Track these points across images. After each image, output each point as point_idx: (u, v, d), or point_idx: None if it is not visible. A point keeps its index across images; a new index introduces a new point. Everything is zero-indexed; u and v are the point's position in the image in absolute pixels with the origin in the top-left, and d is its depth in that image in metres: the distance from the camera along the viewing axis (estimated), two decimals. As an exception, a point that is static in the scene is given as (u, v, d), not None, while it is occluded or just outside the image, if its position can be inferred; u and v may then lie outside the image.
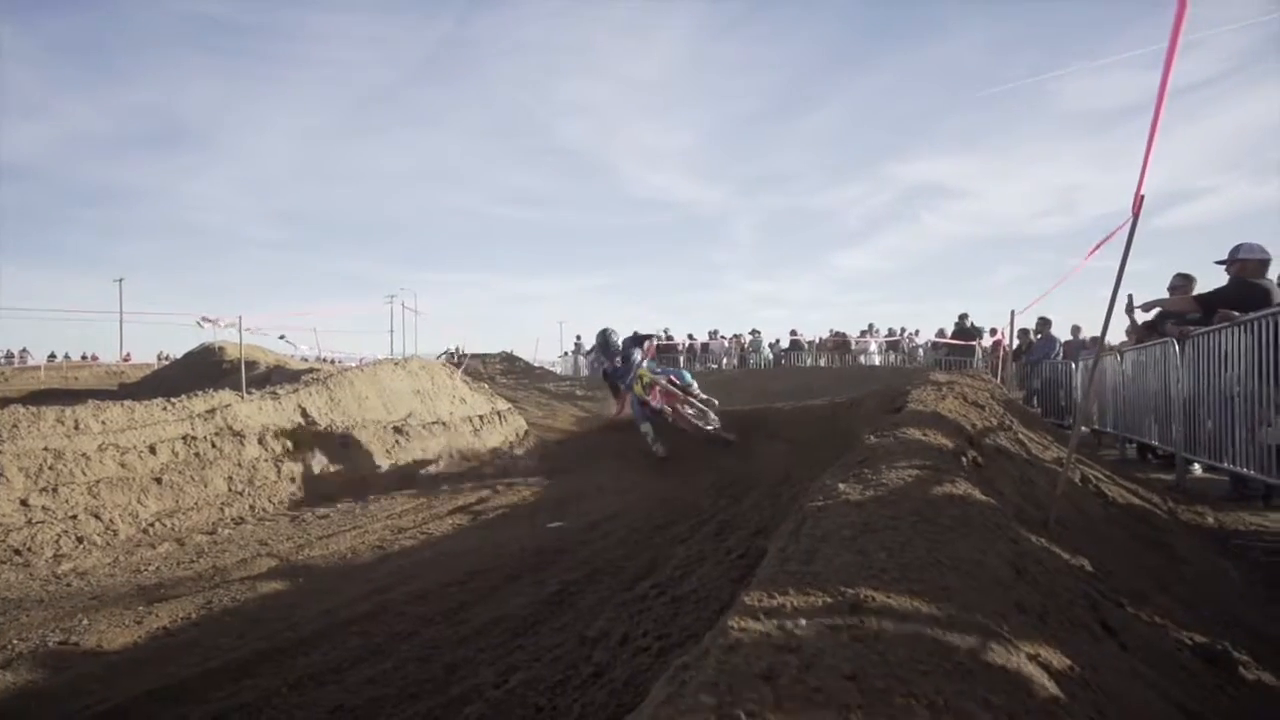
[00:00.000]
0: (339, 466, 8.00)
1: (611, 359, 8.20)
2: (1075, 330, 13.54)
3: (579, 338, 28.24)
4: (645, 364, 8.14)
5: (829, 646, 1.15)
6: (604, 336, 8.30)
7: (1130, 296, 8.31)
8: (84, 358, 32.64)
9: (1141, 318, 7.59)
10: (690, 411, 7.95)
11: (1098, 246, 3.78)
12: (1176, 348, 6.23)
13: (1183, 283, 7.24)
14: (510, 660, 2.53)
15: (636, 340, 8.29)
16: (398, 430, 9.14)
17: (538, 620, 3.01)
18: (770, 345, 24.33)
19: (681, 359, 22.43)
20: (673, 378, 8.15)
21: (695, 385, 8.34)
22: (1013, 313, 10.50)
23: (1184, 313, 6.38)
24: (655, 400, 7.78)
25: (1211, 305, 6.02)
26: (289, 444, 8.07)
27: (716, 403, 8.38)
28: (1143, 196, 2.69)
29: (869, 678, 1.06)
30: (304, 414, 9.43)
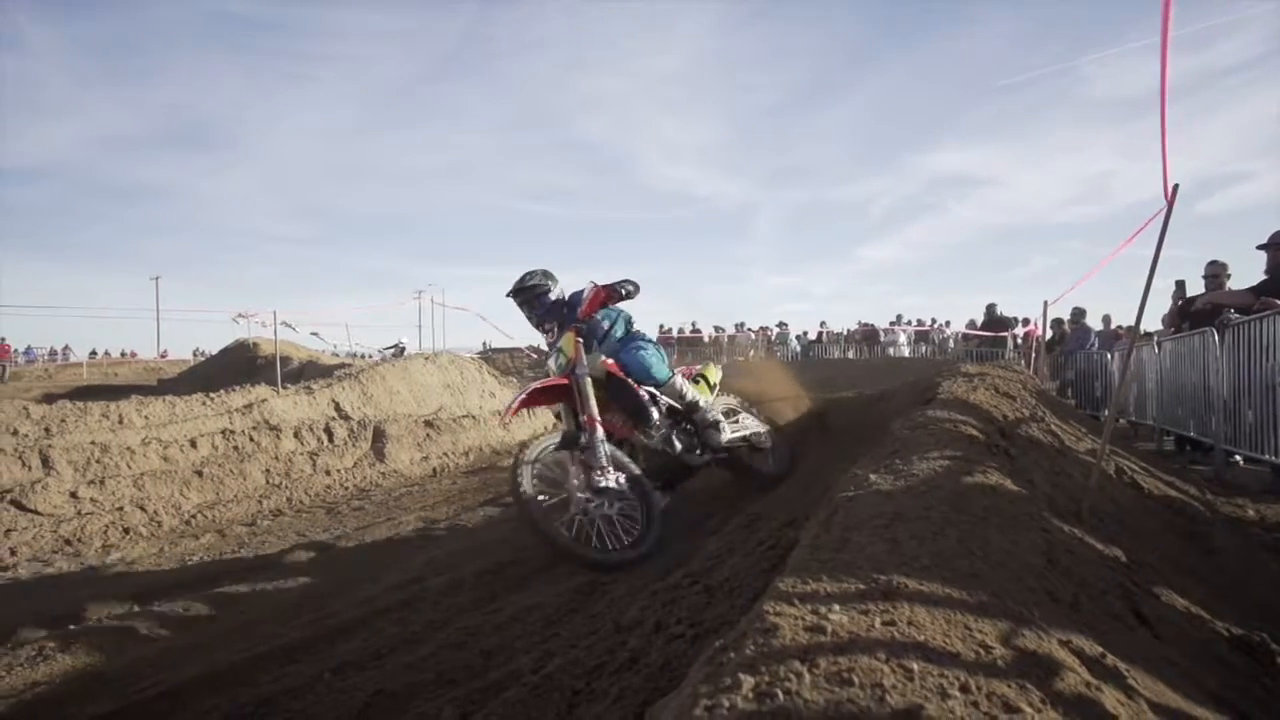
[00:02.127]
0: (372, 459, 8.16)
1: (541, 327, 4.57)
2: (1106, 320, 13.36)
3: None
4: (607, 323, 4.53)
5: (862, 630, 1.18)
6: (520, 286, 4.53)
7: (1180, 284, 8.18)
8: (123, 354, 33.53)
9: (1196, 304, 7.39)
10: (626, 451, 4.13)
11: (1133, 237, 3.73)
12: (1216, 337, 6.11)
13: (1218, 270, 7.13)
14: (546, 647, 2.59)
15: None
16: (428, 424, 9.29)
17: (571, 609, 3.07)
18: (797, 337, 24.23)
19: (708, 351, 22.23)
20: (612, 363, 4.27)
21: (681, 383, 4.43)
22: (1045, 303, 10.33)
23: (1238, 306, 6.25)
24: (515, 407, 3.98)
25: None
26: (323, 437, 8.26)
27: (745, 423, 4.82)
28: (1176, 185, 2.65)
29: (903, 660, 1.09)
30: (337, 408, 9.63)
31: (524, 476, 3.59)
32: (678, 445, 4.32)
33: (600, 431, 3.88)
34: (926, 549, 1.57)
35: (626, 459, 4.00)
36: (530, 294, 4.49)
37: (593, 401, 3.94)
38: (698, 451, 4.44)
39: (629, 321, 4.66)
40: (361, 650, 2.96)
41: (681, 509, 4.46)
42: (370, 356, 21.38)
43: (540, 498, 3.62)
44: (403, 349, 20.51)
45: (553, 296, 4.52)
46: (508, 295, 4.57)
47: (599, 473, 3.78)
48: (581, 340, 4.13)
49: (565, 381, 4.05)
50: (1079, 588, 1.80)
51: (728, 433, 4.53)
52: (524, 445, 3.90)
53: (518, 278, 4.56)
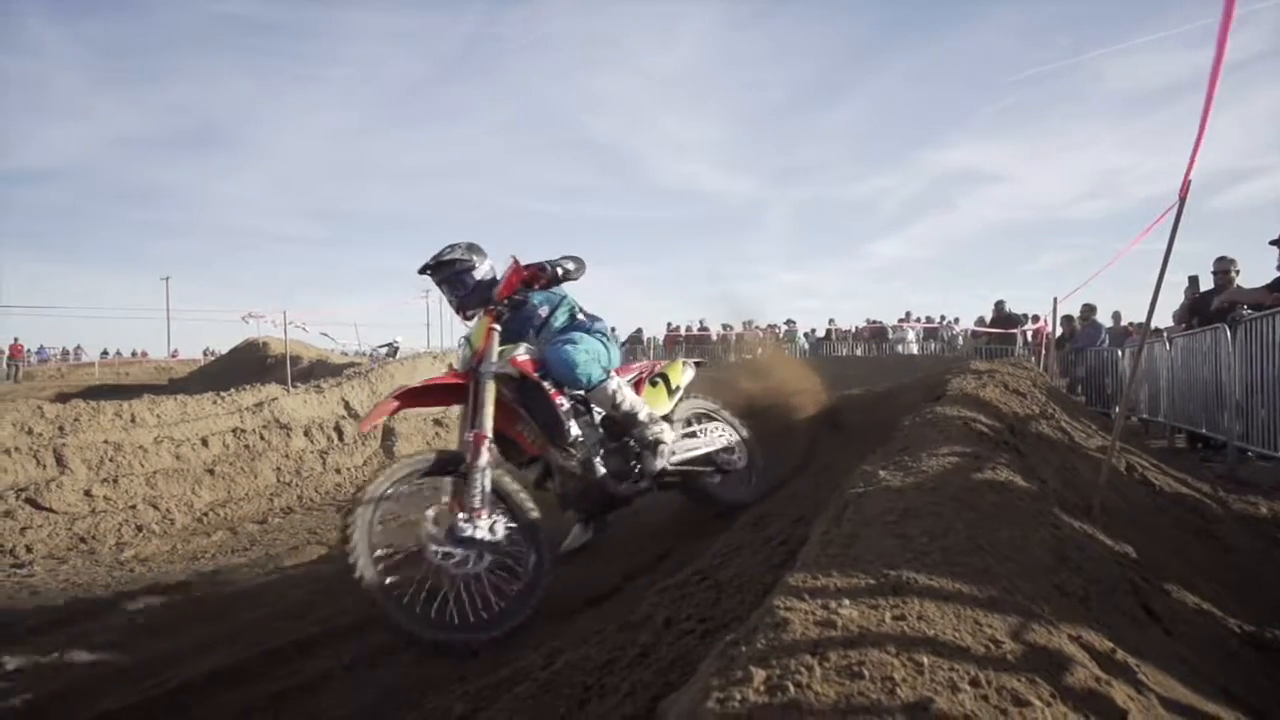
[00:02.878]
0: (382, 457, 8.20)
1: (463, 311, 3.63)
2: (1116, 317, 13.31)
3: (613, 329, 28.26)
4: (546, 309, 3.70)
5: (873, 624, 1.19)
6: (437, 261, 3.55)
7: (1194, 280, 8.15)
8: (134, 354, 33.81)
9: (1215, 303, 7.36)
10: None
11: (1144, 233, 3.72)
12: (1228, 334, 6.08)
13: (1226, 266, 7.12)
14: (555, 643, 2.60)
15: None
16: (437, 421, 9.32)
17: (579, 607, 3.08)
18: (805, 335, 24.19)
19: (716, 349, 22.12)
20: (525, 360, 3.30)
21: (614, 388, 3.47)
22: (1055, 299, 10.31)
23: (1254, 303, 6.24)
24: (381, 412, 3.14)
25: None
26: (333, 435, 8.30)
27: (667, 442, 3.57)
28: (1189, 181, 2.64)
29: (913, 654, 1.10)
30: (347, 406, 9.68)
31: (357, 523, 2.68)
32: (600, 468, 3.40)
33: (485, 455, 2.94)
34: (936, 545, 1.58)
35: (519, 494, 3.10)
36: (449, 271, 3.56)
37: (487, 411, 3.03)
38: (631, 478, 3.55)
39: (576, 309, 3.80)
40: (374, 646, 2.98)
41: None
42: (378, 355, 21.50)
43: (379, 553, 2.72)
44: (396, 348, 20.55)
45: (478, 276, 3.58)
46: (421, 271, 3.64)
47: (466, 516, 2.83)
48: (498, 329, 3.26)
49: (463, 380, 3.18)
50: (1089, 583, 1.80)
51: (670, 453, 3.61)
52: (376, 473, 2.95)
53: (436, 252, 3.62)
